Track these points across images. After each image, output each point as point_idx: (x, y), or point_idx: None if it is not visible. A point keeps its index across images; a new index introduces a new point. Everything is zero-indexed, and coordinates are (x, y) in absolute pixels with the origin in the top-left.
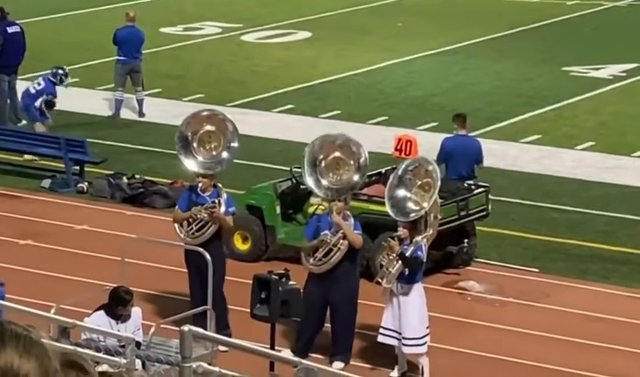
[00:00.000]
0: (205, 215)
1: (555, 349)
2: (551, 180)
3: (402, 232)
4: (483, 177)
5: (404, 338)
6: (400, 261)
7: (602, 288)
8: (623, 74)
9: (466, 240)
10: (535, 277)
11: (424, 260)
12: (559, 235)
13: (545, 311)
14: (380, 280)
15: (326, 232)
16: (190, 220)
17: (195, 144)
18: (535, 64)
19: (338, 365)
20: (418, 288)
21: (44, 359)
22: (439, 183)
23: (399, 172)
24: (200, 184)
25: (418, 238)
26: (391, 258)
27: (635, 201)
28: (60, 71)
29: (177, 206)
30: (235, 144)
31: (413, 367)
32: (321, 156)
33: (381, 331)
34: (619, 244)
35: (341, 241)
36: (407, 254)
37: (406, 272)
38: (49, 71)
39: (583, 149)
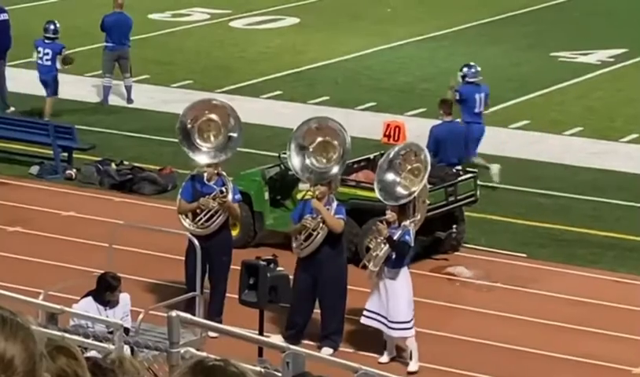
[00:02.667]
0: (215, 204)
1: (543, 334)
2: (539, 165)
3: (390, 215)
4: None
5: (392, 322)
6: (388, 245)
7: (590, 273)
8: (612, 59)
9: (455, 226)
10: (523, 262)
11: (412, 244)
12: (547, 220)
13: (533, 296)
14: (366, 263)
15: (307, 215)
16: (198, 210)
17: (196, 135)
18: (523, 50)
19: (327, 351)
20: (405, 273)
21: (30, 343)
22: (429, 168)
23: (390, 156)
24: (205, 174)
25: (406, 222)
26: (378, 241)
27: (623, 186)
28: (52, 27)
29: (180, 197)
30: (235, 134)
31: (402, 352)
32: (310, 140)
33: (365, 313)
34: (607, 229)
35: (321, 225)
36: (395, 238)
37: (393, 257)
38: (40, 39)
39: (572, 134)
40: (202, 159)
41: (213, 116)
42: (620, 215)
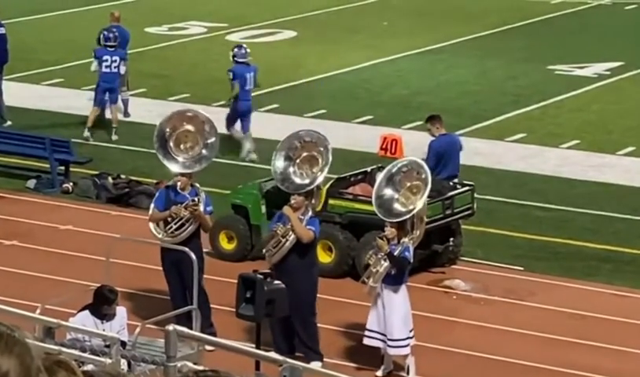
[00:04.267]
0: (187, 213)
1: (540, 347)
2: (536, 178)
3: (389, 231)
4: (469, 176)
5: (389, 339)
6: (388, 261)
7: (587, 286)
8: (608, 72)
9: (452, 239)
10: (520, 275)
11: (411, 261)
12: (544, 233)
13: (530, 309)
14: (366, 280)
15: (278, 223)
16: (169, 219)
17: (172, 144)
18: (520, 63)
19: (316, 365)
20: (403, 290)
21: (26, 358)
22: (429, 187)
23: (392, 171)
24: (178, 183)
25: (405, 239)
26: (378, 257)
27: (620, 199)
28: (111, 35)
29: (153, 206)
30: (212, 142)
31: (399, 366)
32: (298, 153)
33: (367, 333)
34: (604, 242)
35: (290, 233)
36: (395, 254)
37: (393, 273)
38: (101, 48)
39: (568, 147)
40: (176, 167)
41: (190, 127)
42: (617, 228)
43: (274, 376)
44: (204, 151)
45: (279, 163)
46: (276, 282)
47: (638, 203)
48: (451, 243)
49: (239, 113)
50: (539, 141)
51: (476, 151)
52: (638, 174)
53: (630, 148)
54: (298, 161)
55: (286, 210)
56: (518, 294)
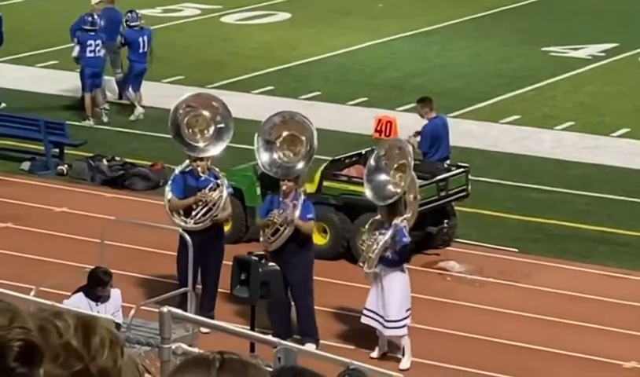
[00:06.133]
0: (215, 197)
1: (534, 329)
2: (530, 160)
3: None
4: (463, 158)
5: (385, 320)
6: (380, 246)
7: (581, 268)
8: (602, 54)
9: (446, 221)
10: (514, 257)
11: (409, 241)
12: (538, 215)
13: (524, 291)
14: (361, 265)
15: (275, 211)
16: (194, 205)
17: (186, 130)
18: (514, 45)
19: (310, 347)
20: (401, 271)
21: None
22: (412, 162)
23: (372, 161)
24: (198, 168)
25: (397, 221)
26: (369, 243)
27: (614, 180)
28: (90, 19)
29: (170, 195)
30: (224, 125)
31: (395, 347)
32: (277, 134)
33: (364, 312)
34: (599, 224)
35: (288, 220)
36: (387, 238)
37: (389, 256)
38: (84, 34)
39: (563, 129)
40: (196, 153)
41: (204, 112)
42: (611, 210)
43: (268, 358)
44: (219, 132)
45: (264, 157)
46: (271, 264)
47: (633, 185)
48: (446, 225)
49: (134, 74)
50: (534, 123)
51: (470, 134)
52: (632, 156)
53: (625, 130)
54: (278, 144)
55: (296, 222)
56: (512, 275)
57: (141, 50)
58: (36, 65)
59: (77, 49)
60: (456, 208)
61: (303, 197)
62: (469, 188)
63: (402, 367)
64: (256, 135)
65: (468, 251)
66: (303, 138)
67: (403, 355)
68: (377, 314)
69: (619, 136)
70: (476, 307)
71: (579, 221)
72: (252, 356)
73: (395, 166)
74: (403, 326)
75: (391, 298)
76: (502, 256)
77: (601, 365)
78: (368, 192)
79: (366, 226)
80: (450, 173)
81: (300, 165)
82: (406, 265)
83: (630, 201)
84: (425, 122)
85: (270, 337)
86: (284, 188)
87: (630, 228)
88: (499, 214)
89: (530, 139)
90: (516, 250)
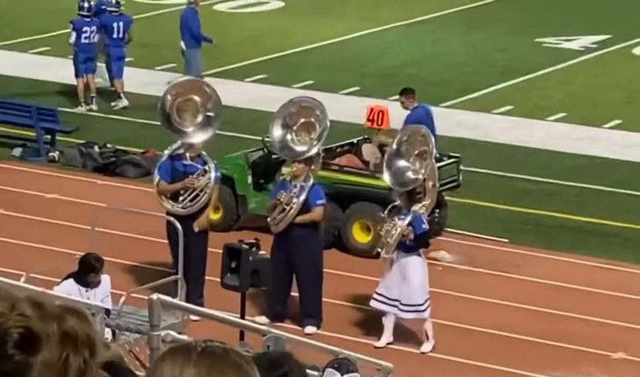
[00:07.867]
0: (202, 183)
1: (525, 319)
2: (522, 151)
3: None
4: (455, 148)
5: (405, 305)
6: (399, 232)
7: (572, 259)
8: (595, 45)
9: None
10: (505, 248)
11: (427, 228)
12: (529, 205)
13: (515, 281)
14: (379, 250)
15: (281, 191)
16: (182, 191)
17: (176, 117)
18: (508, 35)
19: (310, 329)
20: (419, 256)
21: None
22: (434, 150)
23: (394, 145)
24: (187, 154)
25: (416, 207)
26: (388, 228)
27: (605, 172)
28: (86, 4)
29: (159, 178)
30: (215, 107)
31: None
32: (295, 120)
33: (375, 296)
34: (589, 215)
35: (294, 200)
36: (406, 224)
37: (407, 242)
38: (78, 19)
39: (555, 120)
40: (185, 138)
41: (194, 97)
42: (603, 201)
43: (258, 346)
44: (208, 119)
45: (277, 132)
46: (261, 252)
47: (624, 176)
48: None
49: (111, 59)
50: (526, 114)
51: (462, 124)
52: (624, 147)
53: (617, 121)
54: (295, 128)
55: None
56: (503, 266)
57: (115, 35)
58: (29, 51)
59: (74, 35)
60: (447, 198)
61: (312, 180)
62: (460, 178)
63: (424, 350)
64: (274, 116)
65: (459, 241)
66: (317, 126)
67: (427, 339)
68: (390, 299)
69: (611, 127)
70: (467, 297)
71: (570, 212)
72: (242, 344)
73: (416, 152)
74: (425, 309)
75: (412, 283)
76: (493, 246)
77: (590, 355)
78: (387, 177)
79: (385, 212)
80: (442, 164)
81: (313, 150)
82: (423, 251)
83: (621, 192)
84: (407, 112)
85: (258, 325)
86: (294, 169)
87: (620, 220)
88: (490, 205)
89: (522, 129)
90: (507, 240)
